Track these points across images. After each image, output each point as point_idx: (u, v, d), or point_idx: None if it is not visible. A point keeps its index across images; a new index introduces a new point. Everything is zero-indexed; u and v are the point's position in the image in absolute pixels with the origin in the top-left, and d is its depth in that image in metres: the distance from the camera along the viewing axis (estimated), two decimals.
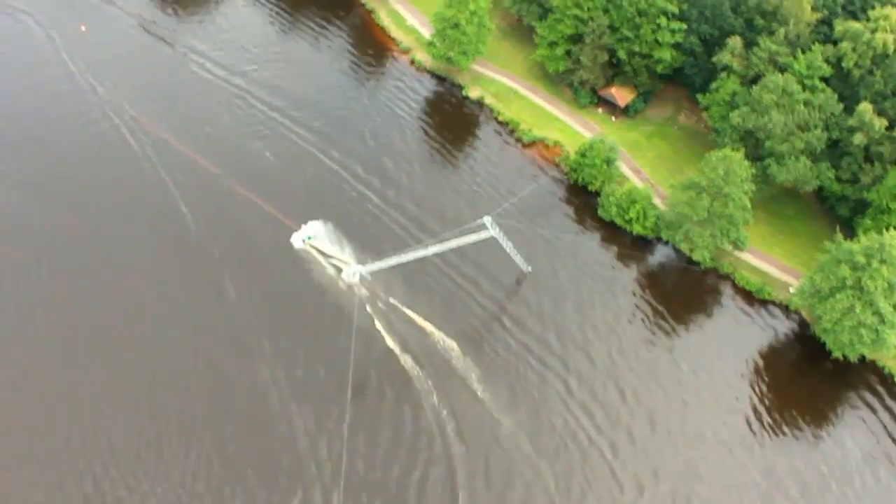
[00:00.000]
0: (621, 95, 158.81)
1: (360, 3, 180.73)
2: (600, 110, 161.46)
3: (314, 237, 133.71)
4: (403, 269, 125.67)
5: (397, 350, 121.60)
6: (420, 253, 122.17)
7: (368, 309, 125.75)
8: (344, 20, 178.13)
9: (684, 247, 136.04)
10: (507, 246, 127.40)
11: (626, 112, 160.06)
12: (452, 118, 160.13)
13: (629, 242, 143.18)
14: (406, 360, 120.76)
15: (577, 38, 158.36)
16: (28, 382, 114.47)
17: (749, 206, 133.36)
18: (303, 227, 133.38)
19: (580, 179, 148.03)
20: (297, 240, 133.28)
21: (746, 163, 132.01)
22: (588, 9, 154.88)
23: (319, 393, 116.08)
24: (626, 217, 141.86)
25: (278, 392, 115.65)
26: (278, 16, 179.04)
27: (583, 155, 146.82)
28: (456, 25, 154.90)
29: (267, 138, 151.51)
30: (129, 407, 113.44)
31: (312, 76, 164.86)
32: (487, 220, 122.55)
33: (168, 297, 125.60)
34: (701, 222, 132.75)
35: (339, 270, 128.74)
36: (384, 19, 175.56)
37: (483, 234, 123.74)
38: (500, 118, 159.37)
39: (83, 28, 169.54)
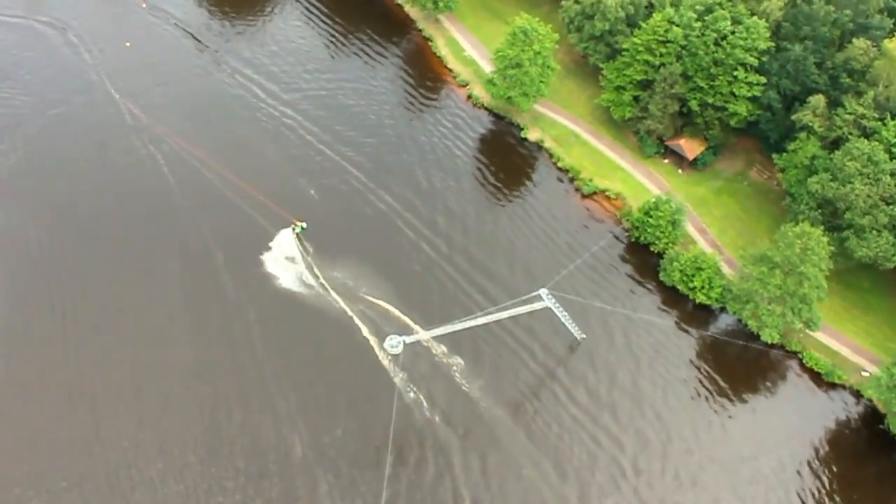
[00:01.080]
0: (690, 148, 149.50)
1: (417, 29, 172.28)
2: (666, 161, 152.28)
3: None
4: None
5: (438, 418, 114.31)
6: (469, 323, 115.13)
7: (408, 374, 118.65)
8: (399, 45, 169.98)
9: (752, 324, 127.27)
10: (562, 315, 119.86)
11: (693, 164, 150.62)
12: (510, 161, 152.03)
13: (691, 309, 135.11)
14: (447, 429, 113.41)
15: (646, 84, 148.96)
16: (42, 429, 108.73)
17: (825, 284, 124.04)
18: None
19: (642, 238, 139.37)
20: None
21: (825, 240, 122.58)
22: (660, 54, 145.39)
23: (352, 460, 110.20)
24: (690, 285, 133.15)
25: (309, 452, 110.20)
26: (331, 36, 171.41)
27: (647, 213, 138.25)
28: (518, 65, 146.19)
29: (313, 174, 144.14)
30: (153, 460, 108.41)
31: (364, 106, 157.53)
32: (544, 292, 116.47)
33: (201, 352, 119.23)
34: (772, 299, 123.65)
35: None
36: (441, 48, 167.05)
37: (538, 306, 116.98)
38: (559, 164, 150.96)
39: (127, 44, 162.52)
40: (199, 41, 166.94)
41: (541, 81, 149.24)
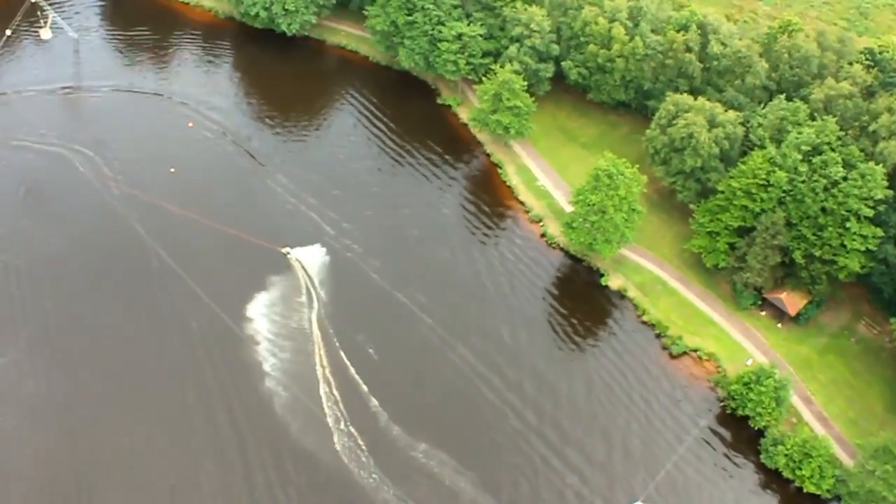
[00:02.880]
0: (792, 302, 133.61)
1: (485, 152, 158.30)
2: (763, 313, 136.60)
3: None
4: None
5: None
6: None
7: None
8: (464, 169, 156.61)
9: None
10: None
11: (795, 318, 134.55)
12: (588, 311, 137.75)
13: (794, 492, 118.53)
14: None
15: (743, 231, 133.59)
16: None
17: None
18: None
19: (739, 410, 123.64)
20: None
21: None
22: (761, 199, 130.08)
23: None
24: (798, 472, 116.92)
25: None
26: (389, 154, 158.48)
27: (746, 385, 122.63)
28: (601, 212, 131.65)
29: (370, 327, 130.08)
30: None
31: (430, 241, 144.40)
32: None
33: None
34: None
35: None
36: (512, 177, 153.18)
37: None
38: (645, 317, 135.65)
39: (172, 170, 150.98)
40: (254, 158, 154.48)
41: (626, 227, 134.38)
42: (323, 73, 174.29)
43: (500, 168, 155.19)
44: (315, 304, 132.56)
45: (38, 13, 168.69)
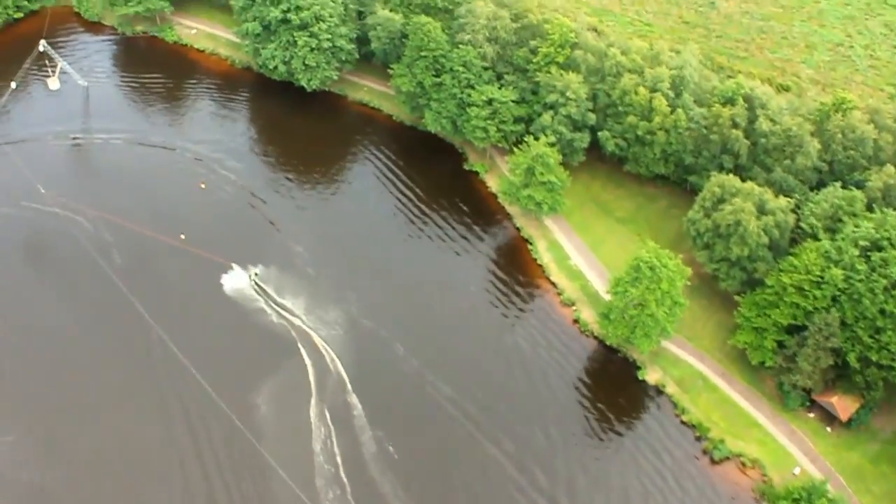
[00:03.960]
0: (843, 406, 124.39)
1: (514, 226, 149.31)
2: (812, 415, 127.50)
3: None
4: None
5: None
6: None
7: None
8: (491, 242, 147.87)
9: None
10: None
11: (846, 423, 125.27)
12: (625, 407, 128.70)
13: None
14: None
15: (793, 328, 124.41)
16: None
17: None
18: None
19: None
20: None
21: None
22: (814, 297, 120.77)
23: None
24: None
25: None
26: (408, 217, 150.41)
27: (796, 502, 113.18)
28: (641, 306, 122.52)
29: (391, 420, 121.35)
30: None
31: (451, 320, 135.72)
32: None
33: None
34: None
35: None
36: (542, 254, 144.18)
37: None
38: (684, 417, 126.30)
39: (182, 237, 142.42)
40: (273, 224, 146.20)
41: (667, 321, 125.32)
42: (343, 131, 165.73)
43: (531, 244, 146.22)
44: (328, 393, 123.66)
45: (46, 62, 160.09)
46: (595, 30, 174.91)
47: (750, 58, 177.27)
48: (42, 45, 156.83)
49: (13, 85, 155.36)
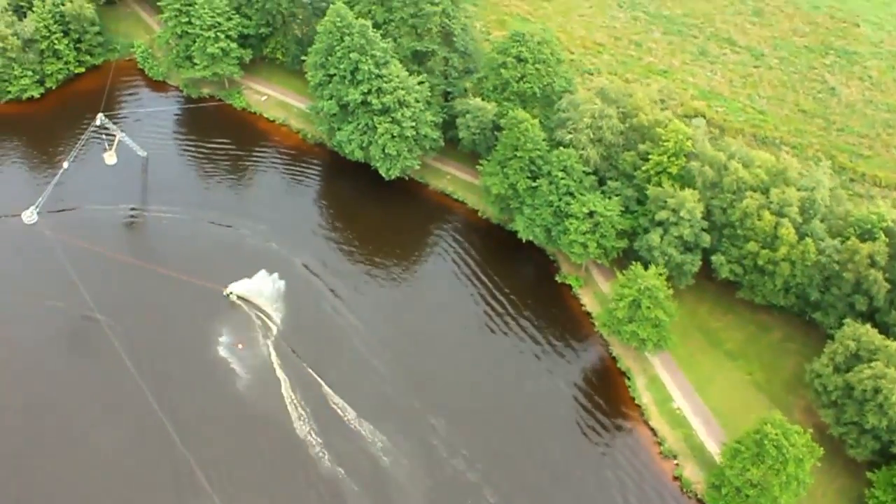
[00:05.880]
0: None
1: (610, 355, 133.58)
2: None
3: None
4: None
5: None
6: None
7: None
8: (583, 373, 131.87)
9: None
10: None
11: None
12: None
13: None
14: None
15: None
16: None
17: None
18: None
19: None
20: None
21: None
22: None
23: None
24: None
25: None
26: (491, 330, 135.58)
27: None
28: (762, 487, 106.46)
29: None
30: None
31: (537, 465, 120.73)
32: None
33: None
34: None
35: None
36: (641, 392, 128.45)
37: None
38: None
39: (240, 347, 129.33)
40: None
41: (787, 497, 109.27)
42: (422, 222, 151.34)
43: (629, 378, 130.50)
44: None
45: (104, 136, 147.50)
46: (703, 116, 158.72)
47: (875, 157, 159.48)
48: (100, 118, 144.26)
49: (65, 165, 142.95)
